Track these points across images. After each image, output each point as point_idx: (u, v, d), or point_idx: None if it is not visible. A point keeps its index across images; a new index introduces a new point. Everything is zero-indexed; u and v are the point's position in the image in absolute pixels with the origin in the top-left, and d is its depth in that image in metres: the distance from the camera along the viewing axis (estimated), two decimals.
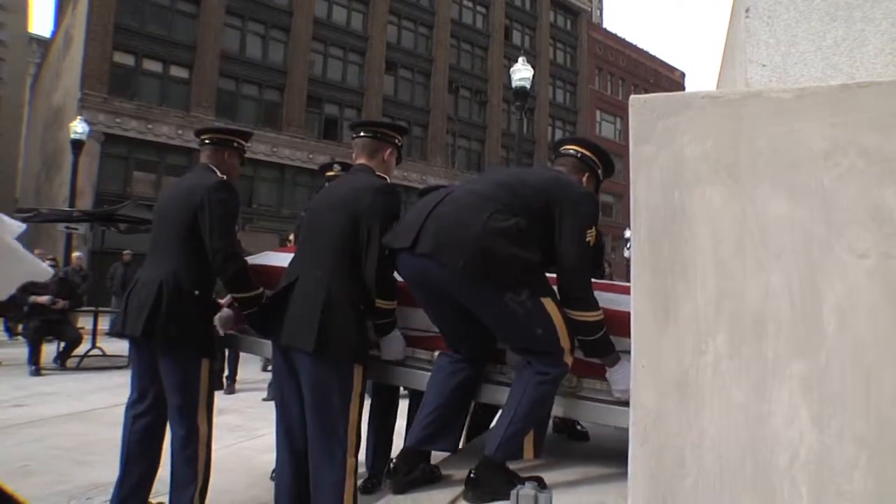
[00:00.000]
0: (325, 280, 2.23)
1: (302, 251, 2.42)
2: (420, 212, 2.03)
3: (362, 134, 2.54)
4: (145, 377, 2.61)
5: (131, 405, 2.66)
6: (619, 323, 2.06)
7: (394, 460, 2.07)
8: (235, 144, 2.75)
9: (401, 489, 2.01)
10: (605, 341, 2.03)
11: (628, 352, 2.05)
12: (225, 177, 2.64)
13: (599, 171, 2.38)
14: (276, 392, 2.42)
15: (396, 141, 2.58)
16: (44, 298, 7.53)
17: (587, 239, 2.02)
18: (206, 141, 2.73)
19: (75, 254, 12.00)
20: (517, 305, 1.93)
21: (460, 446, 2.71)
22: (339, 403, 2.21)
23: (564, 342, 1.97)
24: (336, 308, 2.19)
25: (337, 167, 3.54)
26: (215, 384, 2.68)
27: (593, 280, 2.12)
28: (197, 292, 2.49)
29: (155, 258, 2.60)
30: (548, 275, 2.06)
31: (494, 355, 2.31)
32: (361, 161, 2.51)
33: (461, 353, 2.16)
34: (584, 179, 2.30)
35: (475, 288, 1.93)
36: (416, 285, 2.10)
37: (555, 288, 2.04)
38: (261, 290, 2.51)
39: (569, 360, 2.01)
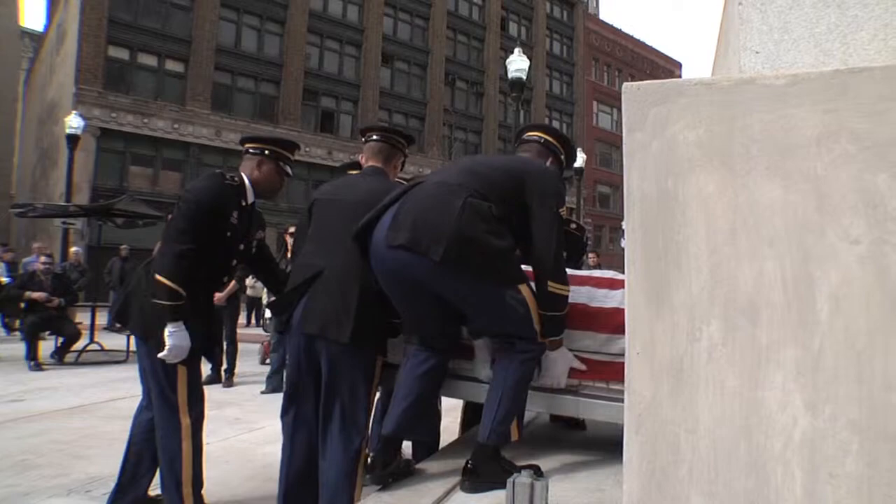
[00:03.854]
0: (356, 273, 2.22)
1: (322, 244, 2.36)
2: (390, 198, 2.05)
3: (376, 138, 2.58)
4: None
5: (142, 398, 2.68)
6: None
7: (371, 453, 2.06)
8: (267, 152, 2.70)
9: (382, 481, 2.02)
10: (565, 320, 2.08)
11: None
12: (252, 186, 2.65)
13: (562, 157, 2.41)
14: (291, 384, 2.38)
15: (406, 151, 2.68)
16: (39, 295, 7.53)
17: (560, 214, 2.06)
18: (245, 150, 2.74)
19: (73, 249, 11.97)
20: (508, 298, 1.97)
21: (458, 436, 2.72)
22: (364, 393, 2.25)
23: (537, 324, 2.03)
24: (368, 300, 2.21)
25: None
26: (200, 380, 2.66)
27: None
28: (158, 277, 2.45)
29: None
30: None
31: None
32: (375, 164, 2.55)
33: (434, 347, 2.15)
34: (548, 164, 2.33)
35: (456, 276, 1.93)
36: (392, 279, 2.06)
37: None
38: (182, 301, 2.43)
39: (542, 340, 2.07)
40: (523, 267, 2.08)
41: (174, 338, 2.38)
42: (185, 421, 2.50)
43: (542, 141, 2.37)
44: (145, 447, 2.60)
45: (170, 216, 2.65)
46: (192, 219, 2.44)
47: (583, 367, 2.15)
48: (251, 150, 2.70)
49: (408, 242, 1.90)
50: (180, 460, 2.47)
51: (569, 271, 2.13)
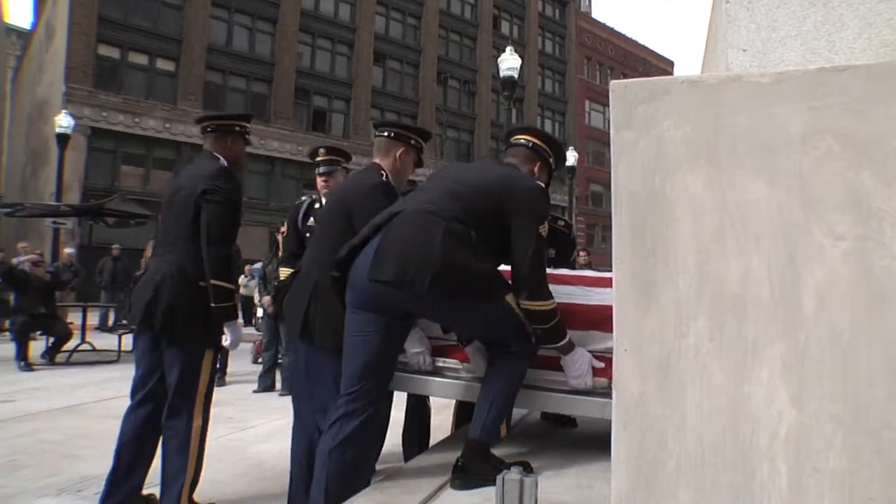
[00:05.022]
0: (314, 272, 2.37)
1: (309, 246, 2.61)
2: (368, 231, 2.04)
3: (379, 134, 2.60)
4: (145, 367, 2.61)
5: (131, 394, 2.66)
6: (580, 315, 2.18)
7: None
8: (237, 129, 2.73)
9: None
10: (559, 329, 2.07)
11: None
12: (227, 163, 2.65)
13: (551, 160, 2.39)
14: (291, 378, 2.63)
15: (412, 141, 2.58)
16: (32, 257, 7.73)
17: (539, 231, 2.03)
18: (209, 129, 2.72)
19: (67, 249, 11.86)
20: (497, 312, 2.01)
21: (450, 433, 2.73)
22: (333, 386, 2.26)
23: (528, 327, 2.05)
24: (320, 297, 2.31)
25: (322, 151, 3.57)
26: (215, 379, 2.68)
27: (566, 272, 2.17)
28: (202, 283, 2.48)
29: (162, 250, 2.62)
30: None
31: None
32: (374, 159, 2.56)
33: (366, 398, 2.03)
34: (536, 169, 2.31)
35: (444, 302, 1.96)
36: (370, 310, 2.02)
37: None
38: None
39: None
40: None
41: (235, 333, 2.57)
42: (197, 422, 2.53)
43: (531, 145, 2.34)
44: (138, 445, 2.59)
45: (160, 216, 2.66)
46: (232, 219, 2.54)
47: (601, 364, 2.14)
48: (219, 128, 2.71)
49: (393, 278, 1.89)
50: (186, 459, 2.48)
51: (595, 273, 2.13)
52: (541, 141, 2.37)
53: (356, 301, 2.05)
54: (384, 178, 2.45)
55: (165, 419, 2.52)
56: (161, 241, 2.64)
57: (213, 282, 2.45)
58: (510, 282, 2.05)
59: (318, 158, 3.53)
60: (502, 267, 2.11)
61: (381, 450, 3.17)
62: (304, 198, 3.76)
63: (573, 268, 3.23)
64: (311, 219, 3.52)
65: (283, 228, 6.14)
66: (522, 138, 2.37)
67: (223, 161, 2.64)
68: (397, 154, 2.53)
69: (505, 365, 2.05)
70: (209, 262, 2.46)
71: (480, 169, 2.29)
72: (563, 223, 3.41)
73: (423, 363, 2.34)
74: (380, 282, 1.92)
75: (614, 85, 1.28)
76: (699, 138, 1.20)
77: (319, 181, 3.51)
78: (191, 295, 2.48)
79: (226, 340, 2.53)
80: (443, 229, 1.90)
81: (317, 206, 3.57)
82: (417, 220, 1.96)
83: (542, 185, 2.27)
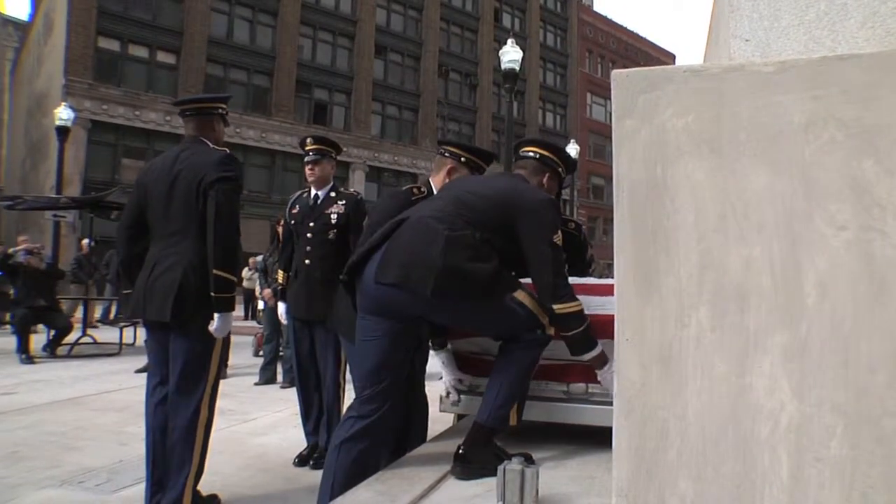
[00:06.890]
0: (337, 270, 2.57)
1: None
2: (377, 237, 2.08)
3: (437, 153, 2.71)
4: (167, 360, 2.55)
5: (154, 389, 2.60)
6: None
7: None
8: (221, 111, 2.73)
9: None
10: (590, 336, 2.05)
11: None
12: (227, 150, 2.64)
13: (560, 169, 2.40)
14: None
15: (462, 158, 2.64)
16: (29, 246, 7.92)
17: (553, 241, 2.03)
18: (189, 112, 2.68)
19: (85, 240, 11.85)
20: (505, 307, 2.00)
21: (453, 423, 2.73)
22: (339, 365, 2.38)
23: (543, 319, 2.04)
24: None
25: (310, 140, 3.61)
26: (222, 371, 2.66)
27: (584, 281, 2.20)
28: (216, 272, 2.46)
29: (169, 241, 2.52)
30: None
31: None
32: (430, 178, 2.67)
33: (373, 388, 2.07)
34: (545, 180, 2.33)
35: (450, 303, 1.98)
36: (378, 314, 2.07)
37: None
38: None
39: (551, 330, 2.07)
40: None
41: (225, 322, 2.49)
42: (204, 413, 2.52)
43: (539, 157, 2.36)
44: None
45: (154, 206, 2.62)
46: (238, 207, 2.53)
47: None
48: (202, 111, 2.70)
49: (397, 280, 1.94)
50: (192, 450, 2.47)
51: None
52: (548, 152, 2.38)
53: (365, 305, 2.09)
54: (407, 188, 2.58)
55: (174, 410, 2.49)
56: (163, 232, 2.53)
57: (216, 272, 2.41)
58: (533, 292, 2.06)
59: (307, 148, 3.57)
60: (525, 280, 2.10)
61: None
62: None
63: (590, 267, 3.23)
64: (297, 207, 3.61)
65: (282, 221, 6.17)
66: (530, 150, 2.39)
67: (214, 145, 2.62)
68: (446, 170, 2.60)
69: (514, 352, 2.06)
70: (219, 251, 2.42)
71: (489, 180, 2.34)
72: (573, 225, 3.41)
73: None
74: (384, 284, 1.96)
75: (616, 74, 1.28)
76: (701, 127, 1.20)
77: (306, 169, 3.57)
78: (207, 286, 2.46)
79: (212, 325, 2.45)
80: (445, 234, 1.94)
81: (304, 195, 3.63)
82: (421, 226, 2.01)
83: (551, 196, 2.27)
